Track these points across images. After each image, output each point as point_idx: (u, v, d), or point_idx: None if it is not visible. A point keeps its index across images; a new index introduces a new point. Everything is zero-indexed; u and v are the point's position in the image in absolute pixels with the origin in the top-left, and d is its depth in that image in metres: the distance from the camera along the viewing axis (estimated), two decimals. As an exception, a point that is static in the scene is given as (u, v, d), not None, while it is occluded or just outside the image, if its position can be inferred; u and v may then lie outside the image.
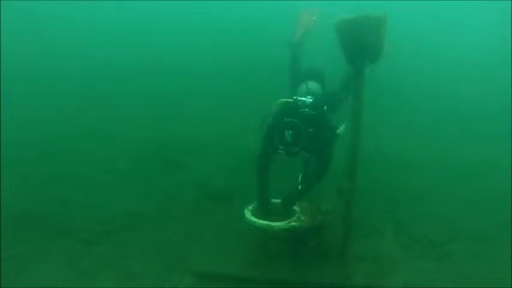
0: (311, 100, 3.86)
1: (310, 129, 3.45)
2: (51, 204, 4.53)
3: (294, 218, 3.50)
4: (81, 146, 6.04)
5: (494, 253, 3.81)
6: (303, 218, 3.52)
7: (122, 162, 5.61)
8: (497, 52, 9.63)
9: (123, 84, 8.53)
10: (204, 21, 11.95)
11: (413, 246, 3.92)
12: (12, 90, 7.55)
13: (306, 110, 3.63)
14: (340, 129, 3.91)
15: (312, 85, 4.22)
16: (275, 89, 4.80)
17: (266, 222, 3.45)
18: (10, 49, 9.28)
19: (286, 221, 3.45)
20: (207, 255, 3.71)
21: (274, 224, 3.44)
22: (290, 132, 3.37)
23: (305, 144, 3.44)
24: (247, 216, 3.54)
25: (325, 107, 3.88)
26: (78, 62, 9.48)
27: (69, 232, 4.04)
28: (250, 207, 3.67)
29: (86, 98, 7.81)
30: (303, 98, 3.83)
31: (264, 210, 3.71)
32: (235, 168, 5.27)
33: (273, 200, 3.80)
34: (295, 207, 3.65)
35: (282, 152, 3.52)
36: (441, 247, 3.91)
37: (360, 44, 3.12)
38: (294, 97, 3.82)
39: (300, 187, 3.68)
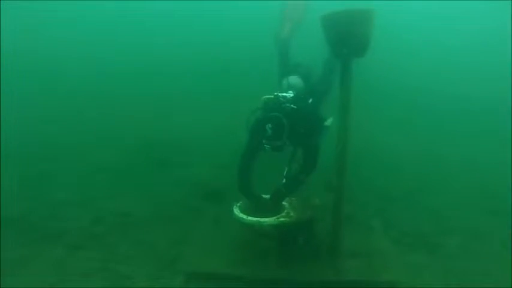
0: (292, 95, 3.86)
1: (292, 123, 3.48)
2: (41, 204, 4.53)
3: (283, 214, 3.49)
4: (72, 144, 6.07)
5: (486, 246, 3.80)
6: (292, 213, 3.50)
7: (113, 160, 5.63)
8: (492, 50, 9.58)
9: (116, 84, 8.55)
10: (202, 20, 11.95)
11: (404, 240, 3.91)
12: (4, 90, 7.55)
13: (288, 104, 3.66)
14: (329, 122, 3.90)
15: (293, 80, 4.22)
16: (270, 86, 4.76)
17: (255, 218, 3.43)
18: (8, 48, 9.30)
19: (275, 217, 3.44)
20: (199, 255, 3.70)
21: (263, 220, 3.42)
22: (270, 125, 3.45)
23: (288, 138, 3.47)
24: (236, 213, 3.53)
25: (310, 100, 3.87)
26: (73, 62, 9.52)
27: (59, 234, 4.03)
28: (239, 204, 3.66)
29: (78, 98, 7.84)
30: (284, 94, 3.84)
31: (250, 200, 3.73)
32: (228, 166, 5.21)
33: (264, 196, 3.78)
34: (285, 203, 3.64)
35: (268, 146, 3.55)
36: (432, 241, 3.90)
37: (348, 37, 3.10)
38: (275, 93, 3.84)
39: (284, 181, 3.70)
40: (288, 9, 5.19)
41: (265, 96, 3.85)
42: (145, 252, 3.77)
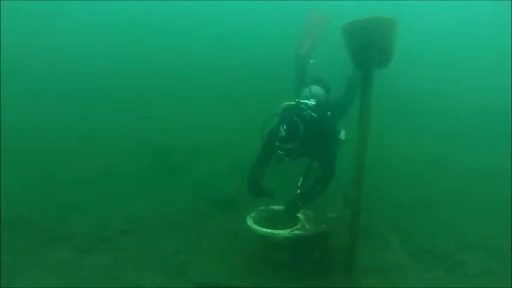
0: (314, 103, 3.81)
1: (310, 131, 3.43)
2: (47, 208, 4.41)
3: (298, 227, 3.40)
4: (79, 148, 5.94)
5: (505, 263, 3.67)
6: (307, 226, 3.42)
7: (120, 165, 5.49)
8: (498, 55, 9.45)
9: (123, 87, 8.40)
10: (207, 24, 11.89)
11: (421, 255, 3.80)
12: (10, 92, 7.43)
13: (309, 112, 3.61)
14: (342, 135, 3.83)
15: (315, 89, 4.15)
16: (278, 92, 4.68)
17: (269, 230, 3.34)
18: (9, 50, 9.20)
19: (290, 230, 3.35)
20: (206, 265, 3.61)
21: (277, 232, 3.33)
22: (285, 127, 3.38)
23: (302, 144, 3.40)
24: (249, 224, 3.44)
25: (329, 113, 3.83)
26: (77, 65, 9.36)
27: (64, 239, 3.92)
28: (252, 215, 3.57)
29: (85, 100, 7.70)
30: (306, 101, 3.79)
31: (260, 197, 3.68)
32: (236, 173, 5.03)
33: (277, 207, 3.71)
34: (300, 215, 3.55)
35: (281, 152, 3.47)
36: (451, 257, 3.78)
37: (370, 46, 3.01)
38: (297, 100, 3.80)
39: (299, 191, 3.64)
40: (308, 25, 5.11)
41: (285, 103, 3.80)
42: (150, 261, 3.66)
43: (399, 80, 7.90)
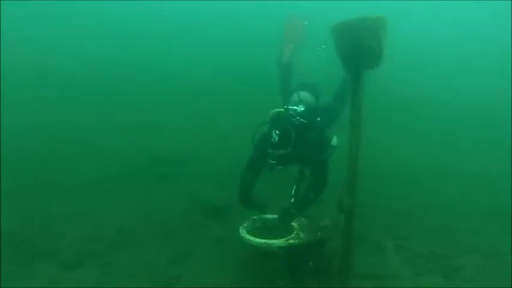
0: (303, 109, 3.72)
1: (301, 137, 3.38)
2: (35, 219, 4.27)
3: (293, 236, 3.32)
4: (68, 156, 5.79)
5: (503, 268, 3.62)
6: (301, 235, 3.34)
7: (111, 173, 5.35)
8: (496, 60, 9.50)
9: (114, 93, 8.24)
10: (202, 31, 11.81)
11: (417, 261, 3.73)
12: (4, 98, 7.24)
13: (298, 118, 3.53)
14: (334, 141, 3.76)
15: (304, 95, 4.04)
16: (270, 100, 4.61)
17: (263, 240, 3.28)
18: (6, 55, 8.97)
19: (284, 239, 3.27)
20: (200, 274, 3.51)
21: (271, 241, 3.25)
22: (277, 132, 3.33)
23: (294, 151, 3.34)
24: (243, 234, 3.37)
25: (319, 119, 3.74)
26: (69, 70, 9.20)
27: (53, 252, 3.78)
28: (245, 225, 3.49)
29: (75, 106, 7.55)
30: (295, 107, 3.70)
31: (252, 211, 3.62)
32: (229, 181, 4.91)
33: (270, 216, 3.64)
34: (294, 224, 3.47)
35: (273, 162, 3.41)
36: (448, 263, 3.71)
37: (359, 48, 2.92)
38: (285, 106, 3.72)
39: (292, 200, 3.58)
40: (287, 30, 5.05)
41: (274, 110, 3.73)
42: (142, 273, 3.55)
43: (396, 85, 7.90)
